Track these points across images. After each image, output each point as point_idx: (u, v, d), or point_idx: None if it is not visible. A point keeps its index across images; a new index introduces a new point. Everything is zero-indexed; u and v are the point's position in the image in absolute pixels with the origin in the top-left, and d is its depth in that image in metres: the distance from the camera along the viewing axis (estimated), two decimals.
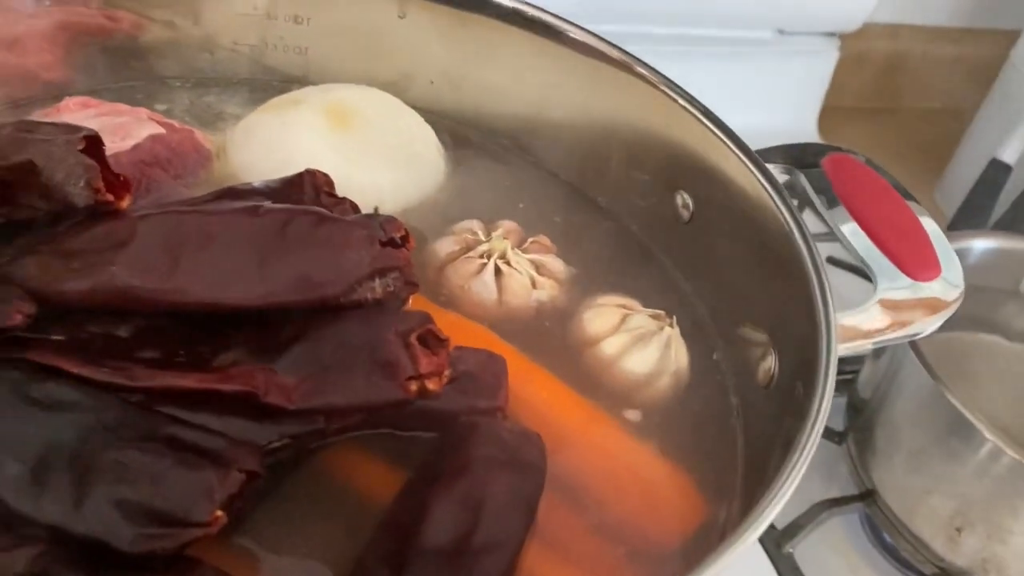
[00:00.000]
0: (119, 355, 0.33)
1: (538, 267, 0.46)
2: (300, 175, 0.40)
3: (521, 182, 0.53)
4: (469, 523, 0.32)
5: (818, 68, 1.02)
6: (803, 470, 0.29)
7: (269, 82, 0.54)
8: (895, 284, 0.39)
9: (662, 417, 0.41)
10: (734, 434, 0.41)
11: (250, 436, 0.33)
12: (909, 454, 0.60)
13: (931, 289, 0.38)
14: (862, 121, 1.15)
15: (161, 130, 0.45)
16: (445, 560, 0.31)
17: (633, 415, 0.41)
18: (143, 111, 0.47)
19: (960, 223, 0.91)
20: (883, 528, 0.64)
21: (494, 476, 0.33)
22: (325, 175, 0.40)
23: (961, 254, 0.71)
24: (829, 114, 1.07)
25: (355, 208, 0.40)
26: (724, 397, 0.42)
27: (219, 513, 0.30)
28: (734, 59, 0.96)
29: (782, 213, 0.40)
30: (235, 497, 0.31)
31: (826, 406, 0.31)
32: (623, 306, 0.45)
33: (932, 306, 0.38)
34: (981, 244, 0.71)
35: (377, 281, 0.36)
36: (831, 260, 0.78)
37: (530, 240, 0.47)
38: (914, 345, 0.59)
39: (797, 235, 0.39)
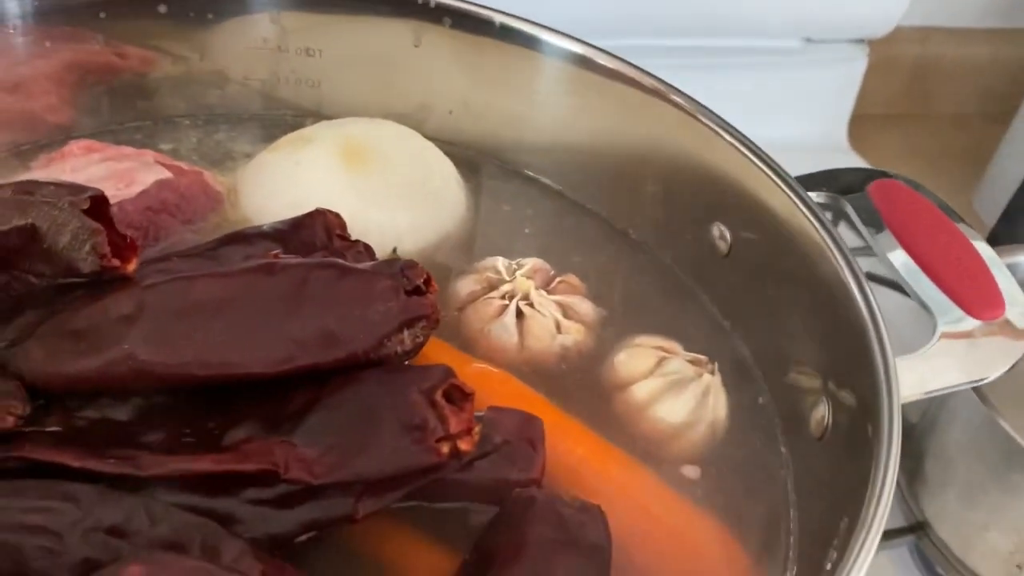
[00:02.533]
0: (122, 442, 0.31)
1: (565, 309, 0.43)
2: (311, 215, 0.38)
3: (548, 214, 0.51)
4: None
5: (847, 76, 0.99)
6: (874, 546, 0.26)
7: (282, 117, 0.52)
8: (957, 324, 0.36)
9: (705, 471, 0.38)
10: (784, 488, 0.38)
11: (271, 526, 0.31)
12: (964, 486, 0.57)
13: (997, 328, 0.35)
14: (893, 128, 1.12)
15: (168, 174, 0.44)
16: None
17: (690, 471, 0.38)
18: (149, 154, 0.45)
19: (1002, 232, 0.87)
20: (936, 563, 0.61)
21: (554, 561, 0.31)
22: (336, 215, 0.38)
23: (1013, 269, 0.68)
24: (859, 122, 1.04)
25: (369, 250, 0.38)
26: (773, 446, 0.40)
27: None
28: (761, 70, 0.94)
29: (828, 246, 0.37)
30: None
31: (893, 468, 0.28)
32: (661, 348, 0.42)
33: (1000, 348, 0.35)
34: None
35: (406, 332, 0.34)
36: (870, 276, 0.75)
37: (558, 280, 0.45)
38: None
39: (846, 271, 0.36)
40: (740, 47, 0.92)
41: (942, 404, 0.59)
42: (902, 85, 1.13)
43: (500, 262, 0.45)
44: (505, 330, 0.42)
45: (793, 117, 0.95)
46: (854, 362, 0.34)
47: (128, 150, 0.46)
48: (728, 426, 0.40)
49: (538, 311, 0.42)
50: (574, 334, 0.43)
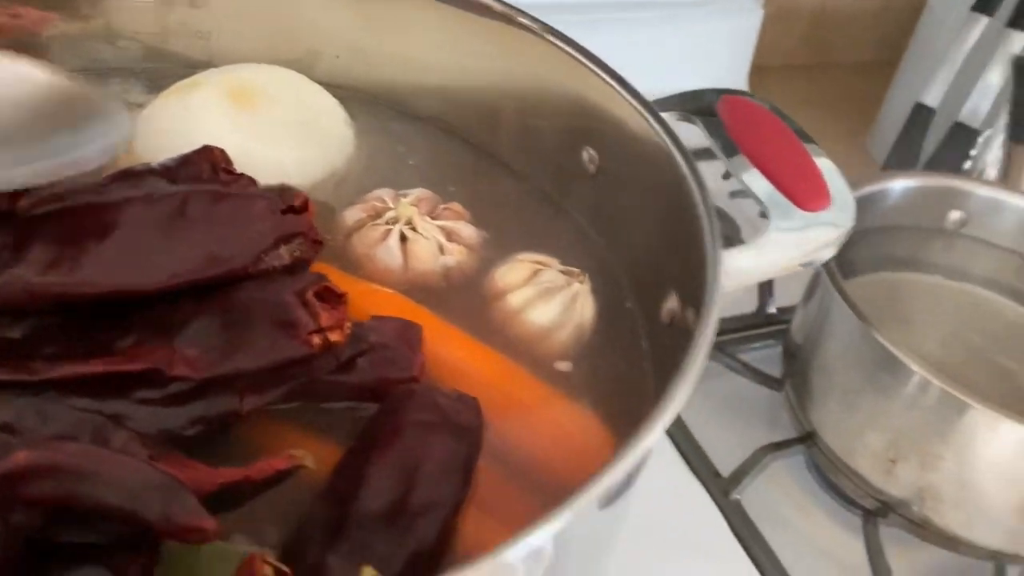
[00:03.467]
0: (17, 356, 0.33)
1: (448, 233, 0.46)
2: (197, 152, 0.40)
3: (435, 150, 0.54)
4: (404, 486, 0.32)
5: (744, 27, 1.02)
6: (696, 373, 0.30)
7: (173, 69, 0.53)
8: (788, 218, 0.40)
9: (575, 365, 0.42)
10: (646, 377, 0.41)
11: (161, 422, 0.34)
12: (843, 393, 0.62)
13: (822, 219, 0.39)
14: (794, 78, 1.16)
15: None
16: (382, 524, 0.32)
17: (562, 366, 0.41)
18: None
19: (891, 169, 0.92)
20: (826, 469, 0.66)
21: (429, 439, 0.34)
22: (221, 151, 0.40)
23: (884, 195, 0.73)
24: (760, 73, 1.08)
25: (253, 184, 0.41)
26: (636, 342, 0.43)
27: None
28: (659, 24, 0.96)
29: (675, 159, 0.40)
30: None
31: (713, 322, 0.32)
32: (538, 263, 0.45)
33: (824, 236, 0.39)
34: (903, 184, 0.72)
35: (283, 248, 0.37)
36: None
37: (442, 207, 0.47)
38: (840, 288, 0.60)
39: (690, 178, 0.39)
40: (636, 1, 0.94)
41: (823, 322, 0.63)
42: (800, 35, 1.17)
43: (386, 192, 0.47)
44: (389, 253, 0.44)
45: (693, 70, 0.97)
46: (693, 256, 0.37)
47: None
48: (595, 327, 0.44)
49: (421, 235, 0.45)
50: (456, 255, 0.46)
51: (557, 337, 0.42)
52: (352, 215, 0.46)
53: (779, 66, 1.16)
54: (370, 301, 0.42)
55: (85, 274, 0.35)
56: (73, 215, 0.36)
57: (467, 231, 0.47)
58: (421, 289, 0.44)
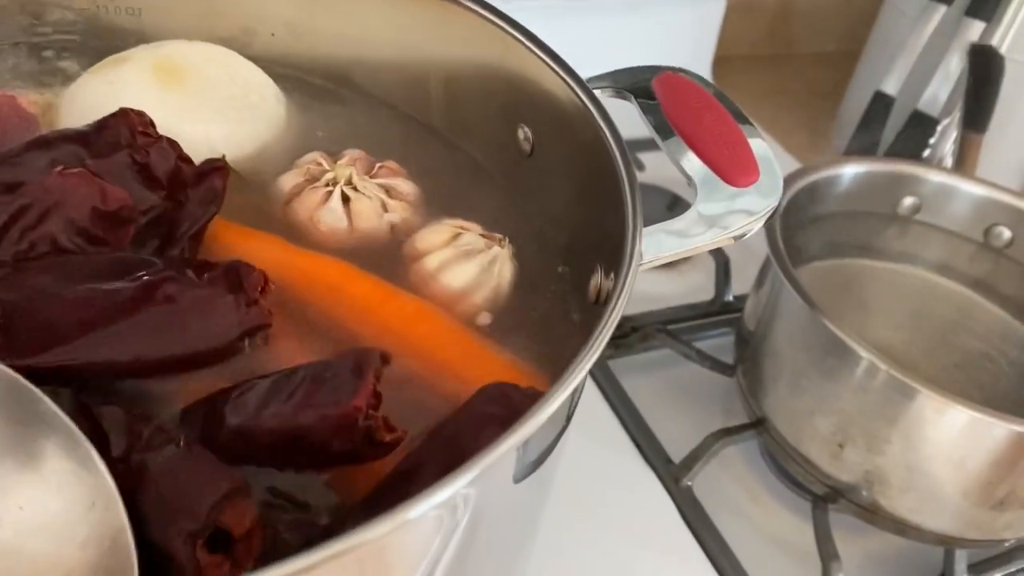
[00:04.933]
0: None
1: (388, 190, 0.45)
2: (113, 116, 0.39)
3: (371, 127, 0.53)
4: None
5: (706, 16, 1.02)
6: (602, 345, 0.29)
7: (105, 46, 0.52)
8: (715, 192, 0.39)
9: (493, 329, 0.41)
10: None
11: None
12: (792, 378, 0.62)
13: (748, 194, 0.39)
14: (758, 69, 1.16)
15: None
16: None
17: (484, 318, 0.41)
18: None
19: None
20: (775, 454, 0.66)
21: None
22: (139, 113, 0.39)
23: (838, 180, 0.72)
24: (725, 64, 1.08)
25: (173, 145, 0.40)
26: (565, 315, 0.43)
27: None
28: (622, 12, 0.96)
29: (602, 131, 0.40)
30: None
31: (628, 291, 0.31)
32: (460, 227, 0.45)
33: (749, 211, 0.38)
34: (856, 169, 0.72)
35: (247, 341, 0.35)
36: None
37: (378, 166, 0.46)
38: (788, 272, 0.60)
39: (618, 155, 0.39)
40: None
41: (773, 307, 0.63)
42: (765, 26, 1.18)
43: (319, 155, 0.46)
44: (333, 214, 0.43)
45: (656, 59, 0.97)
46: (617, 233, 0.37)
47: None
48: (515, 292, 0.43)
49: (363, 193, 0.44)
50: (400, 211, 0.45)
51: (470, 300, 0.42)
52: (289, 180, 0.45)
53: (744, 57, 1.16)
54: (312, 272, 0.41)
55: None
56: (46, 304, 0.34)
57: (406, 187, 0.46)
58: (368, 249, 0.43)
